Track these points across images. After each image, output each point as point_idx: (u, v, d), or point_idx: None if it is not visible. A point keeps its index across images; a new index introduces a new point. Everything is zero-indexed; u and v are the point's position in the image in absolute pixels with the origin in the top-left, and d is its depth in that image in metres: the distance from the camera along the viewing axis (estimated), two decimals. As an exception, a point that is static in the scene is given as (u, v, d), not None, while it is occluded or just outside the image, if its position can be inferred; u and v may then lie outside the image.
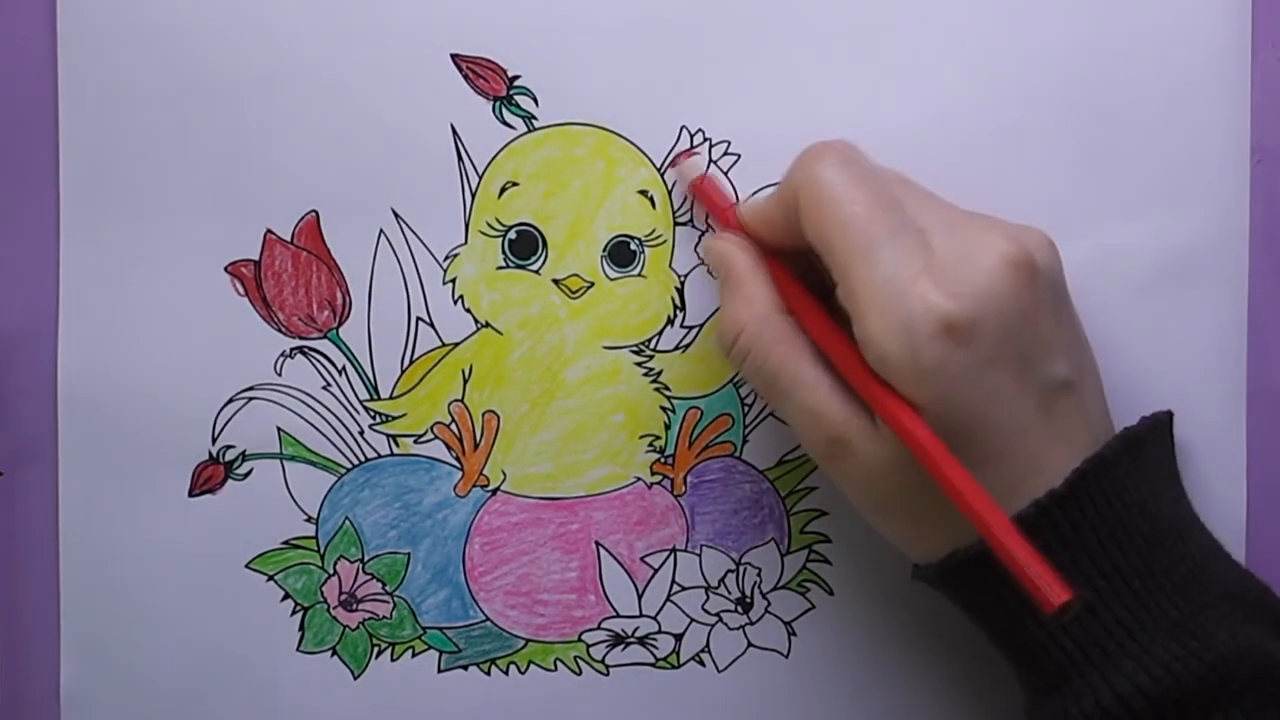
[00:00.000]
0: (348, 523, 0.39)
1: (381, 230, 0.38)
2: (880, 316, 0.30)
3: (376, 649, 0.39)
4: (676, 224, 0.38)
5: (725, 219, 0.36)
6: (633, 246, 0.38)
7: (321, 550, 0.39)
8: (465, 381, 0.38)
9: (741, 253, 0.35)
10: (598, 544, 0.39)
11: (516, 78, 0.38)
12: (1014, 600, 0.31)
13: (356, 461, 0.39)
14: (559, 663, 0.39)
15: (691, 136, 0.38)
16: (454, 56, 0.37)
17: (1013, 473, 0.31)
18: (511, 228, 0.38)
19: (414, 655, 0.39)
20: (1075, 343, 0.33)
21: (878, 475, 0.32)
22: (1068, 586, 0.29)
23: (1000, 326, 0.31)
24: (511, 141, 0.38)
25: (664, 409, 0.39)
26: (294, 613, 0.39)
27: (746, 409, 0.39)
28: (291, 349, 0.38)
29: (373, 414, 0.39)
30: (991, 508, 0.30)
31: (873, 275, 0.31)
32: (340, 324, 0.38)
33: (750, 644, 0.39)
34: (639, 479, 0.39)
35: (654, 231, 0.38)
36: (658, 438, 0.39)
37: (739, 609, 0.39)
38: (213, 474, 0.38)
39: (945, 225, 0.32)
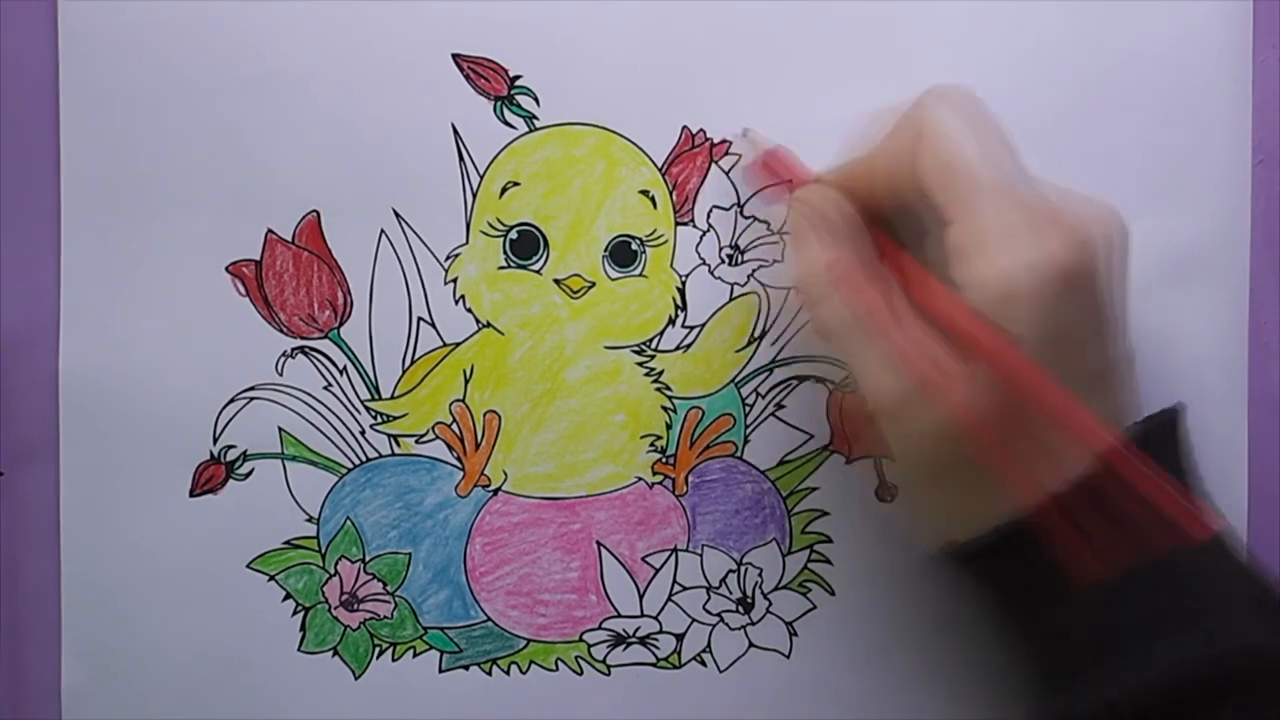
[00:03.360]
0: (349, 523, 0.39)
1: (382, 230, 0.38)
2: (1010, 252, 0.31)
3: (377, 649, 0.39)
4: (677, 224, 0.38)
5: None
6: (634, 246, 0.38)
7: (322, 550, 0.39)
8: (466, 381, 0.38)
9: (838, 202, 0.35)
10: (599, 544, 0.39)
11: (518, 77, 0.38)
12: (1047, 582, 0.31)
13: (358, 461, 0.39)
14: (560, 663, 0.39)
15: (693, 136, 0.38)
16: (455, 56, 0.37)
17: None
18: (513, 227, 0.38)
19: (415, 655, 0.39)
20: (1126, 325, 0.34)
21: (957, 425, 0.32)
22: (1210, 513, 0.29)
23: (1104, 285, 0.32)
24: (512, 141, 0.38)
25: (665, 409, 0.39)
26: (295, 613, 0.39)
27: (748, 409, 0.39)
28: (293, 349, 0.38)
29: (374, 414, 0.39)
30: (1107, 435, 0.31)
31: (1007, 212, 0.31)
32: (341, 324, 0.38)
33: (751, 644, 0.39)
34: (640, 479, 0.39)
35: (655, 231, 0.38)
36: (659, 438, 0.39)
37: (740, 609, 0.39)
38: (214, 474, 0.38)
39: (1050, 187, 0.33)
